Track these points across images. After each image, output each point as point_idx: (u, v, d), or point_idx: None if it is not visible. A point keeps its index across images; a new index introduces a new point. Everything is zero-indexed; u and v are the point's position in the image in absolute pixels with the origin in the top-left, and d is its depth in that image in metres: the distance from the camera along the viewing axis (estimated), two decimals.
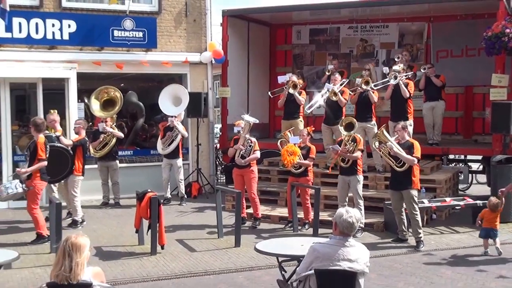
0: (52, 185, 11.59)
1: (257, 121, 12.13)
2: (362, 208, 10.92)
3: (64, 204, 11.49)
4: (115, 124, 13.91)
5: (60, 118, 12.70)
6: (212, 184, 15.51)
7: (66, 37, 14.09)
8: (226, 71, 16.48)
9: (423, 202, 11.20)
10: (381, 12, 16.71)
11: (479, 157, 15.12)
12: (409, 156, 9.94)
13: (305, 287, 5.48)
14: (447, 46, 16.10)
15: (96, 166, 13.92)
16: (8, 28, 13.38)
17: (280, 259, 6.87)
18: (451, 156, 15.78)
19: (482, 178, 15.67)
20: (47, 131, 11.20)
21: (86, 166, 12.20)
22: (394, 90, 12.70)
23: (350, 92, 13.07)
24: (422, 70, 14.10)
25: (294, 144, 11.36)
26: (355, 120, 11.12)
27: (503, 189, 9.76)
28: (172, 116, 13.94)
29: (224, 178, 17.14)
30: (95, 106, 13.54)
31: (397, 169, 10.08)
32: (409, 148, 10.07)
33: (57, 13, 14.11)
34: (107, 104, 13.61)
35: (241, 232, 10.44)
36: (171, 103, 14.41)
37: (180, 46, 15.63)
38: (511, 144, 12.35)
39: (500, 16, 12.45)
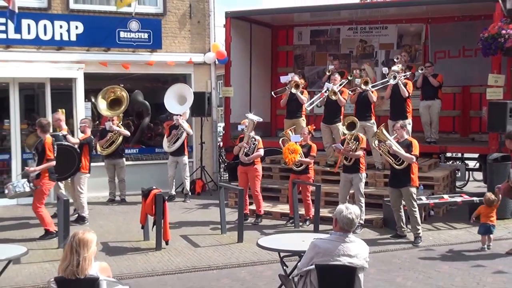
0: (59, 182, 11.58)
1: (261, 120, 12.12)
2: (363, 205, 10.91)
3: (71, 201, 11.48)
4: (121, 123, 13.90)
5: (67, 117, 12.72)
6: (215, 181, 15.49)
7: (73, 38, 14.06)
8: (229, 71, 16.47)
9: (421, 199, 11.18)
10: (380, 14, 16.68)
11: (476, 155, 15.08)
12: (407, 154, 9.93)
13: (306, 282, 5.46)
14: (444, 47, 16.06)
15: (102, 164, 13.92)
16: (17, 30, 13.37)
17: (282, 254, 6.84)
18: (449, 154, 15.76)
19: (479, 175, 15.64)
20: (56, 131, 11.23)
21: (93, 164, 12.21)
22: (394, 90, 12.67)
23: (350, 92, 13.06)
24: (419, 71, 14.08)
25: (295, 142, 11.35)
26: (357, 119, 11.11)
27: (500, 185, 9.75)
28: (177, 115, 13.94)
29: (227, 175, 17.14)
30: (102, 105, 13.54)
31: (396, 167, 10.06)
32: (407, 147, 10.05)
33: (64, 15, 14.10)
34: (113, 104, 13.60)
35: (244, 228, 10.43)
36: (176, 102, 14.40)
37: (184, 47, 15.61)
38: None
39: (497, 18, 12.42)
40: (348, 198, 10.96)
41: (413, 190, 10.18)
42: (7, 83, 13.52)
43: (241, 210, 10.54)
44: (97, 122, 14.91)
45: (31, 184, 10.02)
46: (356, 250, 5.35)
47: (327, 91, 12.78)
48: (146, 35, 14.80)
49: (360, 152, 10.71)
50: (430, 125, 14.26)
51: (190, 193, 14.24)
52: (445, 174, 13.28)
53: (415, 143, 10.16)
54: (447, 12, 15.65)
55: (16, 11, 12.29)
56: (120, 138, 13.56)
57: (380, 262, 8.98)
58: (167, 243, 9.80)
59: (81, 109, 14.14)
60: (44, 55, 13.81)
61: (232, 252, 9.63)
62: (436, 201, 11.76)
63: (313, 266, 5.35)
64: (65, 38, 13.99)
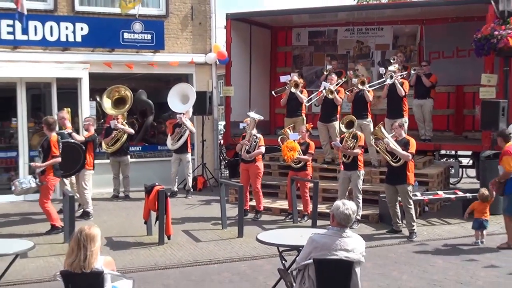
0: (64, 179, 11.58)
1: (262, 118, 12.13)
2: (360, 201, 10.90)
3: (76, 196, 11.49)
4: (126, 121, 13.90)
5: (73, 115, 12.70)
6: (216, 178, 15.48)
7: (79, 39, 14.07)
8: (230, 71, 16.45)
9: (416, 195, 11.17)
10: (376, 16, 16.71)
11: (469, 153, 15.10)
12: (404, 152, 9.92)
13: (304, 275, 5.46)
14: (439, 48, 16.05)
15: (107, 161, 13.92)
16: (25, 31, 13.40)
17: (281, 249, 6.84)
18: (443, 152, 15.78)
19: (472, 172, 15.61)
20: (61, 129, 11.24)
21: (97, 161, 12.21)
22: (390, 89, 12.67)
23: (347, 92, 13.05)
24: (412, 71, 14.05)
25: (294, 140, 11.36)
26: (355, 118, 11.12)
27: (496, 179, 9.78)
28: (180, 113, 13.93)
29: (227, 172, 17.14)
30: (107, 104, 13.53)
31: (393, 164, 10.06)
32: (405, 145, 10.05)
33: (70, 17, 14.09)
34: (118, 102, 13.59)
35: (244, 224, 10.42)
36: (179, 100, 14.40)
37: (186, 48, 15.60)
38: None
39: (489, 19, 12.40)
40: (347, 195, 10.95)
41: (409, 187, 10.18)
42: (14, 83, 13.51)
43: (241, 206, 10.54)
44: (102, 120, 14.89)
45: (37, 180, 10.02)
46: (352, 245, 5.34)
47: (324, 90, 12.77)
48: (149, 36, 14.80)
49: (358, 150, 10.69)
50: (423, 122, 14.25)
51: (191, 189, 14.23)
52: (439, 171, 13.29)
53: (412, 141, 10.16)
54: (441, 13, 15.63)
55: (25, 13, 12.33)
56: (125, 136, 13.56)
57: (376, 257, 8.96)
58: (169, 238, 9.79)
59: (86, 108, 14.13)
60: (50, 56, 13.81)
61: (233, 246, 9.63)
62: (431, 197, 11.77)
63: (311, 260, 5.34)
64: (71, 39, 14.00)
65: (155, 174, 14.16)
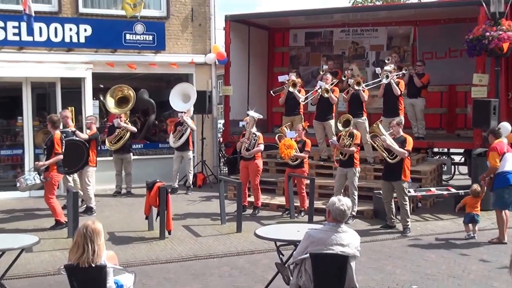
0: (67, 175, 11.58)
1: (261, 117, 12.13)
2: (356, 198, 10.91)
3: (80, 193, 11.49)
4: (129, 119, 13.90)
5: (76, 114, 12.69)
6: (215, 175, 15.46)
7: (82, 40, 14.05)
8: (229, 71, 16.43)
9: (409, 192, 11.16)
10: (371, 17, 16.69)
11: (461, 150, 15.06)
12: (400, 149, 9.91)
13: (301, 269, 5.46)
14: (431, 48, 16.03)
15: (110, 158, 13.92)
16: (30, 32, 13.39)
17: (278, 243, 6.83)
18: (436, 149, 15.75)
19: (464, 169, 15.63)
20: (65, 128, 11.25)
21: (100, 158, 12.22)
22: (386, 89, 12.66)
23: (343, 95, 13.02)
24: (404, 71, 14.02)
25: (291, 138, 11.35)
26: (351, 117, 11.13)
27: (484, 175, 9.82)
28: (182, 112, 13.92)
29: (226, 169, 17.12)
30: (111, 103, 13.50)
31: (390, 161, 10.05)
32: (402, 143, 10.04)
33: (74, 18, 14.08)
34: (121, 102, 13.56)
35: (242, 219, 10.42)
36: (181, 100, 14.38)
37: (187, 49, 15.58)
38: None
39: (481, 21, 12.38)
40: (343, 191, 10.95)
41: (405, 184, 10.18)
42: (20, 82, 13.50)
43: (240, 202, 10.53)
44: (105, 119, 14.88)
45: (41, 176, 10.04)
46: (348, 240, 5.34)
47: (320, 89, 12.76)
48: (150, 37, 14.78)
49: (353, 148, 10.70)
50: (416, 121, 14.25)
51: (192, 186, 14.22)
52: (432, 168, 13.29)
53: (410, 139, 10.17)
54: (434, 15, 15.61)
55: (33, 14, 12.34)
56: (128, 134, 13.55)
57: (371, 251, 8.96)
58: (170, 233, 9.79)
59: (90, 107, 14.11)
60: (54, 56, 13.79)
61: (232, 241, 9.62)
62: (424, 193, 11.77)
63: (307, 255, 5.33)
64: (75, 40, 13.98)
65: (156, 171, 14.18)
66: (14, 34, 13.33)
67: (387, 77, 12.50)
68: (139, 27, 14.57)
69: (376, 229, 10.44)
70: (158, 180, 10.01)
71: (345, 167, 10.88)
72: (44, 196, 10.31)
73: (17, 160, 13.79)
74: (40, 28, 13.55)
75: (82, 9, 14.23)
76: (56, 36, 13.77)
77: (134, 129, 13.85)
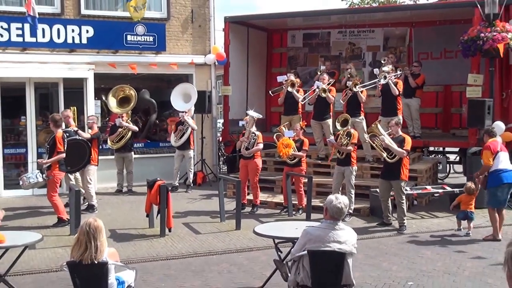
0: (69, 174, 11.57)
1: (261, 116, 12.12)
2: (353, 196, 10.92)
3: (82, 191, 11.49)
4: (130, 119, 13.90)
5: (78, 114, 12.68)
6: (215, 173, 15.46)
7: (84, 41, 14.06)
8: (228, 71, 16.42)
9: (406, 190, 11.16)
10: (367, 18, 16.70)
11: (456, 149, 15.08)
12: (399, 149, 9.91)
13: (299, 266, 5.45)
14: (427, 49, 16.04)
15: (111, 157, 13.92)
16: (33, 33, 13.39)
17: (276, 241, 6.84)
18: (431, 148, 15.78)
19: (459, 168, 15.62)
20: (67, 127, 11.24)
21: (102, 157, 12.20)
22: (384, 89, 12.66)
23: (342, 101, 12.99)
24: (398, 72, 14.00)
25: (289, 137, 11.35)
26: (349, 117, 11.12)
27: (477, 172, 9.84)
28: (183, 112, 13.92)
29: (226, 167, 17.12)
30: (112, 103, 13.51)
31: (388, 160, 10.04)
32: (400, 142, 10.03)
33: (76, 20, 14.06)
34: (123, 101, 13.57)
35: (241, 217, 10.41)
36: (182, 99, 14.37)
37: (187, 49, 15.56)
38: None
39: (476, 22, 12.38)
40: (341, 189, 10.95)
41: (403, 183, 10.17)
42: (23, 83, 13.49)
43: (239, 200, 10.51)
44: (107, 118, 14.88)
45: (44, 174, 10.05)
46: (345, 237, 5.34)
47: (317, 89, 12.76)
48: (151, 38, 14.78)
49: (351, 147, 10.70)
50: (411, 120, 14.26)
51: (192, 184, 14.21)
52: (428, 166, 13.28)
53: (408, 139, 10.17)
54: (430, 16, 15.63)
55: (37, 16, 12.34)
56: (129, 133, 13.56)
57: (368, 248, 8.96)
58: (170, 230, 9.79)
59: (92, 106, 14.10)
60: (57, 57, 13.78)
61: (231, 238, 9.61)
62: (420, 191, 11.77)
63: (305, 252, 5.33)
64: (77, 41, 13.99)
65: (157, 170, 14.20)
66: (18, 35, 13.35)
67: (385, 77, 12.48)
68: (140, 29, 14.57)
69: (373, 227, 10.44)
70: (158, 179, 10.03)
71: (342, 166, 10.88)
72: (47, 194, 10.31)
73: (20, 159, 13.77)
74: (43, 30, 13.55)
75: (84, 11, 14.22)
76: (58, 37, 13.77)
77: (136, 128, 13.84)
